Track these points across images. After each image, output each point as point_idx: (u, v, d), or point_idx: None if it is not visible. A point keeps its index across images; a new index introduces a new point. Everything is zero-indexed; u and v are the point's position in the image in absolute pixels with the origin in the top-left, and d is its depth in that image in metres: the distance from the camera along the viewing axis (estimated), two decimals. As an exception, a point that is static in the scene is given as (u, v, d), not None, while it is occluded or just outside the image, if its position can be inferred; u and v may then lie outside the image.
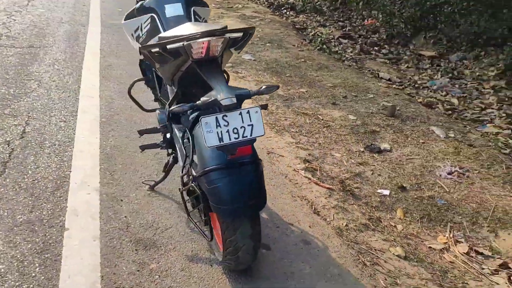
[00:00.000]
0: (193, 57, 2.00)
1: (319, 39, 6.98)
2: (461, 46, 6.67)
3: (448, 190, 3.30)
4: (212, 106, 1.87)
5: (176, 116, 2.65)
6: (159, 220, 2.64)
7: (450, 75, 6.06)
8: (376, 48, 7.05)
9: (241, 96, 1.91)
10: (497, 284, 2.52)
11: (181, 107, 1.90)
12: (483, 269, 2.64)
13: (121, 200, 2.78)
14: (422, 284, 2.44)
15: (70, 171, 2.99)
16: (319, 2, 9.35)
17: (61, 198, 2.72)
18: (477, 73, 6.03)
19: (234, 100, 1.86)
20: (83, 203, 2.67)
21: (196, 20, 2.71)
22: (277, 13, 8.95)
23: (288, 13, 8.93)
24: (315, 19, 8.45)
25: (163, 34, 2.22)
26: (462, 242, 2.85)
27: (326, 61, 6.03)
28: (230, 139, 1.85)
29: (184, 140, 2.40)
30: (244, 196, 1.95)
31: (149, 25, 2.70)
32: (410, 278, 2.48)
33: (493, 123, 4.75)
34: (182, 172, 2.21)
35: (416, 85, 5.74)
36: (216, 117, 1.83)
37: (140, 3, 2.80)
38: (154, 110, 3.10)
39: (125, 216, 2.63)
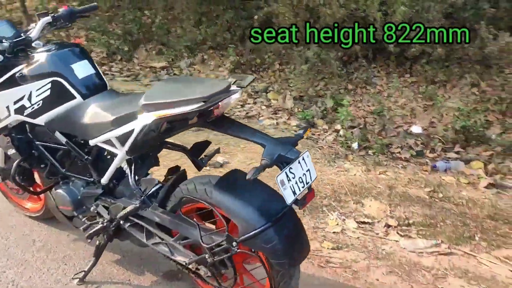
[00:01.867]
0: (210, 118, 1.82)
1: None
2: (183, 53, 7.15)
3: (301, 181, 3.73)
4: (277, 163, 1.74)
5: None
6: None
7: (192, 81, 6.49)
8: (105, 67, 6.83)
9: (296, 144, 1.84)
10: (397, 241, 3.12)
11: (258, 170, 1.69)
12: (377, 234, 3.21)
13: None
14: (368, 263, 2.83)
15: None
16: None
17: None
18: (212, 75, 6.66)
19: (296, 150, 1.78)
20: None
21: None
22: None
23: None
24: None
25: (151, 99, 1.83)
26: (346, 219, 3.35)
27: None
28: (299, 190, 1.79)
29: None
30: (299, 243, 1.94)
31: (48, 91, 2.19)
32: (357, 262, 2.84)
33: (263, 115, 5.44)
34: (203, 243, 1.93)
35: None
36: (286, 172, 1.74)
37: (20, 69, 2.20)
38: (47, 190, 2.48)
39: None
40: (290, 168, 1.77)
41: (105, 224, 2.24)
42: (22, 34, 2.36)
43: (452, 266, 2.83)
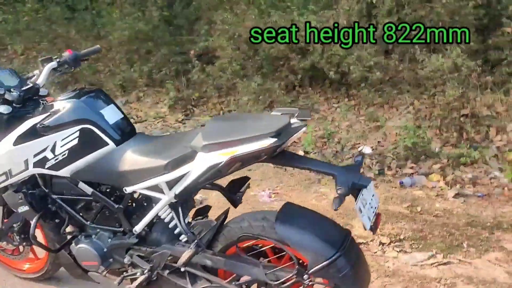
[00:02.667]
0: (275, 152, 1.79)
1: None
2: (115, 92, 6.92)
3: (285, 210, 3.75)
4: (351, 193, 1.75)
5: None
6: None
7: (134, 119, 6.31)
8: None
9: (359, 171, 1.85)
10: (395, 257, 3.23)
11: (340, 201, 1.67)
12: (375, 252, 3.30)
13: None
14: (382, 281, 2.93)
15: None
16: None
17: None
18: (152, 112, 6.52)
19: (367, 176, 1.81)
20: None
21: None
22: None
23: None
24: None
25: (213, 139, 1.74)
26: (340, 242, 3.40)
27: None
28: (372, 215, 1.81)
29: None
30: (364, 269, 1.96)
31: (76, 140, 2.03)
32: (372, 282, 2.85)
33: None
34: (270, 281, 1.89)
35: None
36: (360, 200, 1.76)
37: (41, 119, 2.06)
38: (64, 247, 2.26)
39: None
40: (362, 195, 1.79)
41: (146, 274, 2.07)
42: (29, 82, 2.19)
43: (456, 274, 2.98)
